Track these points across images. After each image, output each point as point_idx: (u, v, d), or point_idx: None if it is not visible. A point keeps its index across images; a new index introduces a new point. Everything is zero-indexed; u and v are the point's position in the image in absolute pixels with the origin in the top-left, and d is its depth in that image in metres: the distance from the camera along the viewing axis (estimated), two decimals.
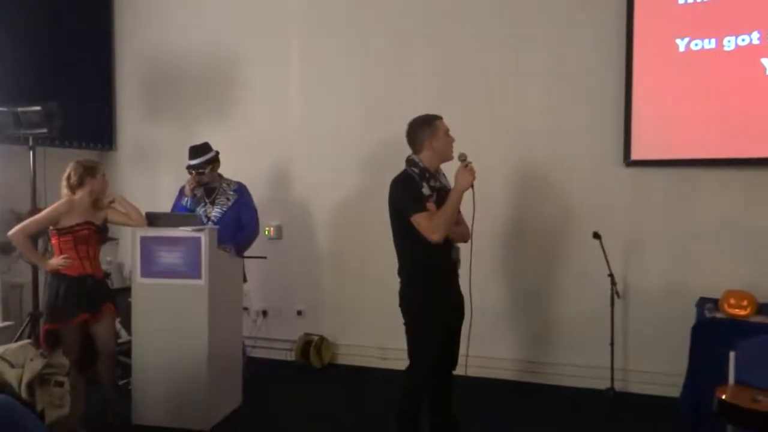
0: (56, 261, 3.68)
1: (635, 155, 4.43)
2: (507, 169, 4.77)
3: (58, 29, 5.29)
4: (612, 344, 4.32)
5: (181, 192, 4.58)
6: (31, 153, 4.45)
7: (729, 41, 4.18)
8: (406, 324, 3.18)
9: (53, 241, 3.74)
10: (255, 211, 4.56)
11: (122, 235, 5.24)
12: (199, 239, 3.80)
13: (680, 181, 4.40)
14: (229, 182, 4.53)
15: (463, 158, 3.14)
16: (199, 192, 4.47)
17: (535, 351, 4.77)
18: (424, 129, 3.18)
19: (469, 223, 3.32)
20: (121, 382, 4.51)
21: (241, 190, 4.54)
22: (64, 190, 3.78)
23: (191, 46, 5.60)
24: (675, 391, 4.05)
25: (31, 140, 4.42)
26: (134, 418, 3.91)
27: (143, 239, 3.88)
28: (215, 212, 4.42)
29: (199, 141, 5.37)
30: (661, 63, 4.35)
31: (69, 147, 5.31)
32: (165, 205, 5.49)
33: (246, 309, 4.73)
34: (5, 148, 4.69)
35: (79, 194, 3.76)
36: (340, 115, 5.20)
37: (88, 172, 3.77)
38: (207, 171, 4.40)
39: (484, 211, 4.70)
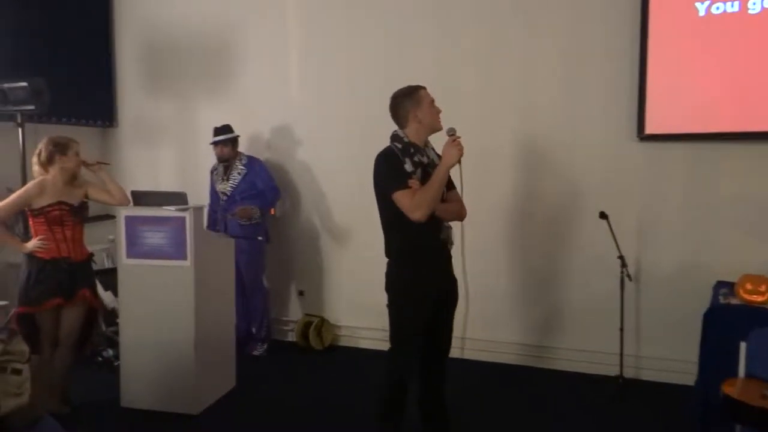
0: (32, 243, 3.56)
1: (650, 129, 4.13)
2: (513, 144, 4.53)
3: (55, 3, 5.16)
4: (621, 329, 4.09)
5: (211, 173, 4.98)
6: (20, 130, 4.35)
7: (754, 3, 3.85)
8: (389, 306, 3.02)
9: (30, 222, 3.63)
10: (269, 178, 4.85)
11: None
12: (183, 219, 3.67)
13: (698, 157, 4.10)
14: (241, 158, 4.83)
15: (451, 132, 2.93)
16: (220, 168, 4.85)
17: (541, 335, 4.57)
18: (407, 101, 2.98)
19: None
20: (116, 363, 4.47)
21: (250, 162, 4.85)
22: (35, 167, 3.61)
23: (191, 18, 5.43)
24: (690, 379, 3.81)
25: (19, 117, 4.32)
26: (123, 401, 3.84)
27: (128, 219, 3.76)
28: (228, 187, 4.81)
29: (199, 116, 5.40)
30: (679, 29, 4.03)
31: (67, 124, 5.23)
32: (166, 182, 5.44)
33: None
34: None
35: (51, 173, 3.58)
36: (341, 90, 4.99)
37: (58, 149, 3.57)
38: (228, 147, 4.78)
39: (489, 189, 4.58)
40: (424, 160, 2.99)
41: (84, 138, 5.40)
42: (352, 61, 4.94)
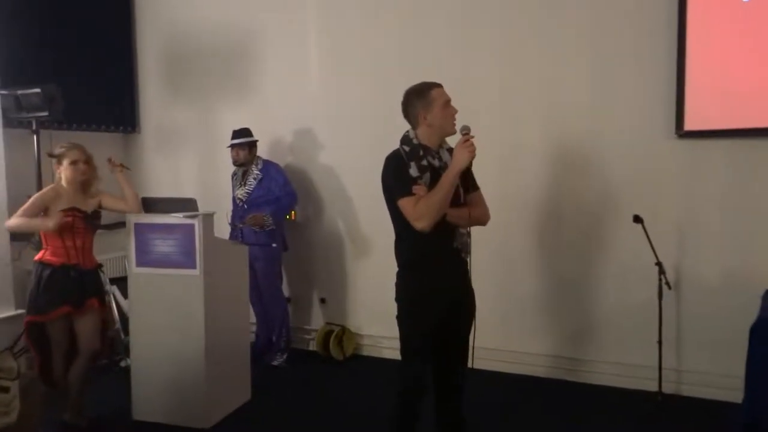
0: (53, 222, 3.38)
1: (689, 125, 3.83)
2: (542, 142, 4.28)
3: (76, 8, 5.14)
4: (660, 341, 3.80)
5: (232, 178, 4.86)
6: (35, 137, 4.31)
7: None
8: (397, 317, 2.85)
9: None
10: (286, 182, 4.67)
11: None
12: (192, 226, 3.54)
13: (743, 154, 3.78)
14: (257, 162, 4.70)
15: (465, 131, 2.70)
16: (239, 173, 4.73)
17: (573, 347, 4.29)
18: (417, 101, 2.77)
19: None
20: None
21: (266, 166, 4.71)
22: (57, 175, 3.60)
23: (212, 23, 5.33)
24: (736, 396, 3.47)
25: (34, 124, 4.28)
26: (134, 414, 3.74)
27: (137, 226, 3.66)
28: (243, 193, 4.68)
29: (222, 121, 5.31)
30: (720, 15, 3.72)
31: (87, 130, 5.19)
32: (188, 188, 5.37)
33: None
34: (16, 132, 4.57)
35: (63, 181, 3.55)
36: (363, 90, 4.79)
37: (55, 159, 3.54)
38: (244, 151, 4.63)
39: (516, 191, 4.34)
40: (436, 163, 2.77)
41: (107, 144, 5.44)
42: (374, 60, 4.75)
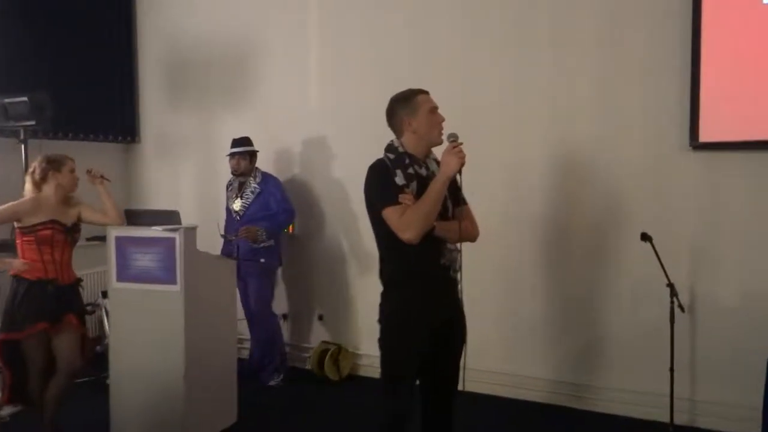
0: (18, 262, 3.32)
1: (704, 136, 3.59)
2: (548, 154, 4.06)
3: (75, 15, 5.08)
4: (672, 368, 3.53)
5: (226, 188, 4.72)
6: (23, 147, 4.21)
7: None
8: (378, 340, 2.64)
9: (17, 241, 3.42)
10: (284, 200, 4.52)
11: None
12: (173, 240, 3.39)
13: (762, 167, 3.53)
14: (255, 175, 4.54)
15: (452, 138, 2.53)
16: (236, 184, 4.59)
17: (577, 371, 4.04)
18: (401, 108, 2.61)
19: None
20: None
21: (265, 180, 4.55)
22: (28, 186, 3.42)
23: (214, 32, 5.22)
24: (754, 428, 3.24)
25: (21, 133, 4.18)
26: None
27: (118, 239, 3.52)
28: (240, 206, 4.53)
29: (223, 131, 5.16)
30: (738, 18, 3.48)
31: (85, 140, 5.11)
32: (189, 199, 5.26)
33: None
34: (5, 142, 4.47)
35: (45, 191, 3.39)
36: (369, 100, 4.51)
37: (52, 166, 3.38)
38: (245, 161, 4.50)
39: (520, 205, 4.12)
40: (423, 172, 2.60)
41: (106, 154, 5.35)
42: (376, 69, 4.57)
